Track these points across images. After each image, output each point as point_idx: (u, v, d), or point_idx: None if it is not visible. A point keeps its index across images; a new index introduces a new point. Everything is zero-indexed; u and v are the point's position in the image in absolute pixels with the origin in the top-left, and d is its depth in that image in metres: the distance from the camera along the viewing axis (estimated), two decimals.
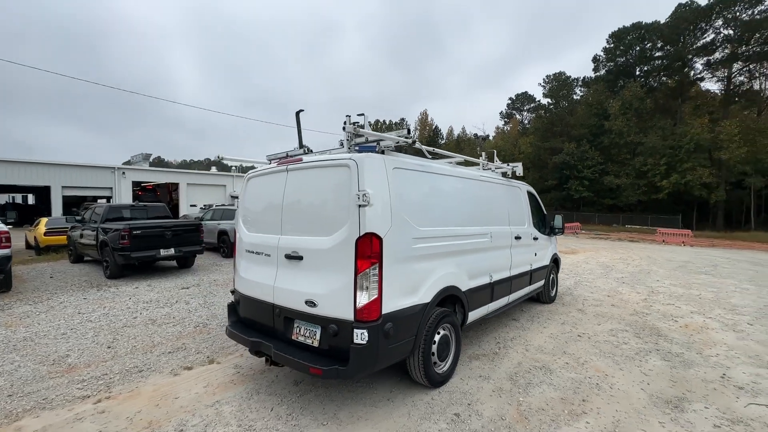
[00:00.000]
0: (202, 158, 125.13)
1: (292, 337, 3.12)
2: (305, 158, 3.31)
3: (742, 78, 38.63)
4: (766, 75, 37.38)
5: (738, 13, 36.96)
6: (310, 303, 2.96)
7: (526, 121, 66.17)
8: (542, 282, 6.11)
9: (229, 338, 3.69)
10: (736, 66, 37.78)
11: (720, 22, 38.40)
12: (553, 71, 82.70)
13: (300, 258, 3.10)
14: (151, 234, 9.00)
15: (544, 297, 6.32)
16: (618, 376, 3.74)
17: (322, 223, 3.02)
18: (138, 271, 9.73)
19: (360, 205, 2.76)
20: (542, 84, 54.95)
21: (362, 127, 3.30)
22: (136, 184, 31.28)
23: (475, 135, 70.76)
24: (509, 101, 68.12)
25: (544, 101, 56.07)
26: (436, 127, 68.38)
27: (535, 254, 5.70)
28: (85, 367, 3.95)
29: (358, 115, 3.43)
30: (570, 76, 51.69)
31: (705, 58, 39.87)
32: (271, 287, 3.32)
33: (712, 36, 39.20)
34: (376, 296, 2.75)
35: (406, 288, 3.03)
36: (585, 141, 43.99)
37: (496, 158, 5.59)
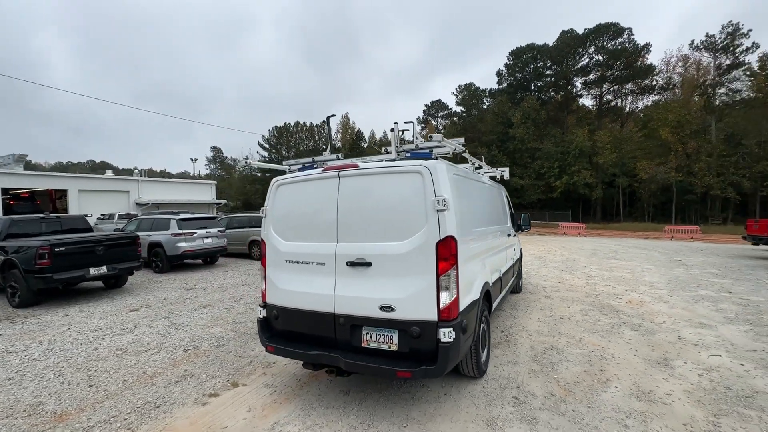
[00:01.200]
0: (85, 160, 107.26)
1: (362, 345, 3.08)
2: (362, 165, 3.29)
3: (609, 96, 47.01)
4: (625, 95, 45.99)
5: (605, 43, 44.94)
6: (387, 308, 2.96)
7: (440, 127, 70.80)
8: (518, 274, 6.82)
9: (276, 354, 3.43)
10: (605, 86, 45.73)
11: (592, 49, 46.19)
12: (463, 81, 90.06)
13: (368, 264, 3.07)
14: (78, 251, 7.61)
15: (517, 287, 7.05)
16: (611, 348, 4.45)
17: (393, 228, 3.04)
18: (53, 296, 8.12)
19: (439, 210, 2.87)
20: (455, 93, 59.54)
21: (403, 133, 3.42)
22: (4, 192, 25.55)
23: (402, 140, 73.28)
24: (425, 107, 72.05)
25: (457, 109, 60.82)
26: (359, 130, 69.18)
27: (513, 249, 6.36)
28: (79, 412, 3.29)
29: (405, 122, 3.52)
30: (479, 87, 56.92)
31: (583, 78, 47.56)
32: (330, 296, 3.21)
33: (587, 60, 46.97)
34: (455, 296, 2.90)
35: (468, 286, 3.23)
36: (494, 146, 48.89)
37: (484, 162, 6.10)
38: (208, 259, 12.56)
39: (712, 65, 39.69)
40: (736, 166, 35.40)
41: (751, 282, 8.20)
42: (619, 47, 43.81)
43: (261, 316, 3.67)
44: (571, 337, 4.79)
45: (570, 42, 46.77)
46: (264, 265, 3.72)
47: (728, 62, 38.63)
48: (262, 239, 3.79)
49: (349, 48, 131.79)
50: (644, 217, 42.73)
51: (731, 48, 38.15)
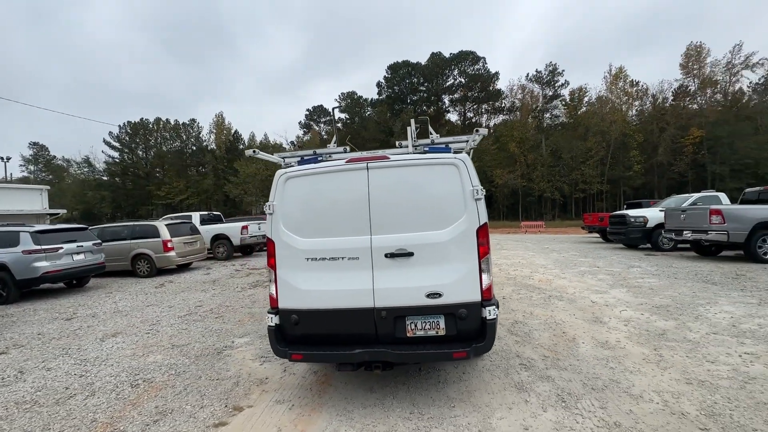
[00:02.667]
0: None
1: (407, 335, 3.05)
2: (393, 157, 3.26)
3: (471, 114, 54.91)
4: (483, 113, 54.46)
5: (466, 68, 52.50)
6: (434, 295, 3.02)
7: (323, 133, 71.05)
8: None
9: (304, 362, 3.11)
10: (468, 104, 53.25)
11: (456, 71, 53.39)
12: (344, 88, 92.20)
13: (410, 254, 3.07)
14: None
15: None
16: (556, 315, 5.38)
17: (431, 217, 3.11)
18: None
19: (477, 199, 3.10)
20: (338, 100, 60.65)
21: (419, 126, 3.57)
22: None
23: (292, 142, 70.22)
24: (307, 112, 71.32)
25: (340, 116, 62.04)
26: (236, 131, 63.95)
27: None
28: None
29: (420, 117, 3.63)
30: (361, 96, 59.27)
31: (450, 96, 54.50)
32: (368, 291, 3.07)
33: (452, 81, 54.05)
34: (491, 277, 3.16)
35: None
36: None
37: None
38: (73, 281, 10.01)
39: (541, 95, 50.42)
40: (559, 174, 45.52)
41: (604, 259, 10.88)
42: (477, 72, 51.83)
43: (273, 324, 3.25)
44: (523, 312, 5.60)
45: (439, 63, 53.03)
46: (273, 267, 3.31)
47: (551, 93, 49.73)
48: (269, 239, 3.36)
49: (220, 42, 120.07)
50: (500, 216, 51.22)
51: (552, 83, 49.23)
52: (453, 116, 57.38)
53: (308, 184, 3.34)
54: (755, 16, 64.64)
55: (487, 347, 3.00)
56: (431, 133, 3.68)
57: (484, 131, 3.62)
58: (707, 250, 10.68)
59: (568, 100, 48.58)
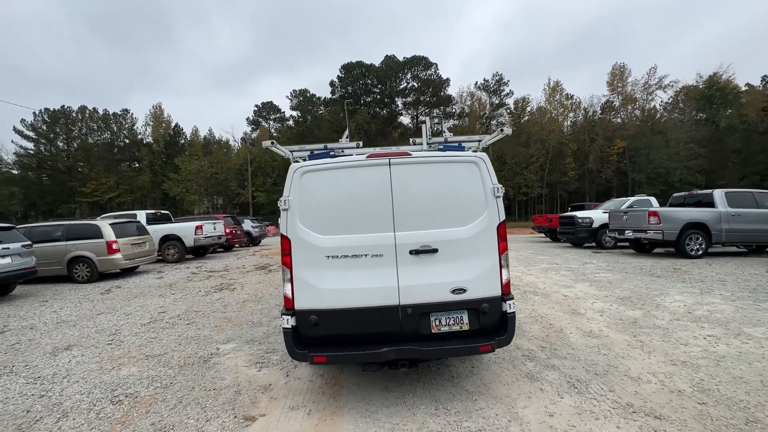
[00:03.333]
0: None
1: (432, 331, 3.03)
2: (414, 153, 3.23)
3: (423, 118, 56.31)
4: (433, 118, 56.06)
5: (419, 72, 53.79)
6: (459, 290, 3.04)
7: (273, 130, 68.64)
8: None
9: (328, 364, 2.96)
10: (420, 108, 54.57)
11: (409, 75, 54.48)
12: (294, 86, 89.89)
13: (434, 251, 3.06)
14: None
15: None
16: (538, 309, 5.69)
17: (454, 214, 3.13)
18: None
19: (496, 197, 3.18)
20: (289, 97, 58.98)
21: (438, 123, 3.59)
22: None
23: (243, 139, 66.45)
24: (256, 108, 68.46)
25: (291, 113, 60.33)
26: (177, 125, 59.42)
27: None
28: None
29: (433, 116, 3.63)
30: (315, 94, 58.16)
31: (403, 99, 55.45)
32: (393, 288, 3.01)
33: (405, 84, 55.06)
34: (509, 272, 3.27)
35: None
36: None
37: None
38: None
39: (488, 102, 53.21)
40: (504, 178, 48.28)
41: (559, 256, 11.75)
42: (429, 78, 53.32)
43: (289, 326, 3.07)
44: None
45: (393, 66, 53.74)
46: (289, 265, 3.12)
47: (497, 102, 52.69)
48: (283, 236, 3.16)
49: (156, 26, 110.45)
50: None
51: (498, 92, 52.21)
52: (405, 119, 58.47)
53: (327, 179, 3.20)
54: (666, 42, 74.26)
55: (509, 340, 3.10)
56: (443, 132, 3.71)
57: (508, 130, 3.73)
58: (643, 248, 12.00)
59: (512, 109, 51.90)
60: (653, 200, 13.45)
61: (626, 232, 11.18)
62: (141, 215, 13.63)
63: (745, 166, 44.16)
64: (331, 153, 3.56)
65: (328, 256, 3.08)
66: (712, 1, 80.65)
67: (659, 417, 2.70)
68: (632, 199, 13.79)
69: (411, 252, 3.07)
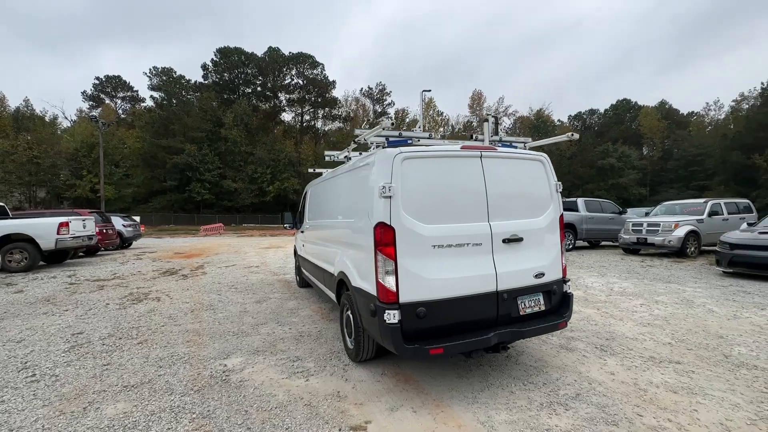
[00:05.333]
0: None
1: (520, 314, 3.23)
2: (498, 149, 3.39)
3: (308, 117, 55.30)
4: (320, 117, 55.65)
5: (304, 70, 52.62)
6: (539, 275, 3.32)
7: (121, 111, 57.04)
8: None
9: (445, 355, 2.81)
10: (306, 107, 53.43)
11: (295, 71, 52.80)
12: (156, 62, 76.16)
13: (520, 239, 3.27)
14: None
15: None
16: None
17: (531, 206, 3.43)
18: None
19: (559, 192, 3.61)
20: (148, 75, 50.04)
21: (497, 122, 3.83)
22: None
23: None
24: (96, 81, 55.86)
25: (152, 94, 51.22)
26: None
27: None
28: None
29: (492, 115, 3.85)
30: (183, 76, 50.70)
31: (287, 96, 53.32)
32: (491, 275, 3.09)
33: (290, 80, 53.16)
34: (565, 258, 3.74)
35: None
36: (205, 145, 45.33)
37: None
38: None
39: (372, 109, 55.75)
40: None
41: None
42: (315, 77, 52.68)
43: (396, 321, 2.84)
44: None
45: (277, 59, 51.19)
46: (393, 256, 2.89)
47: (380, 110, 55.71)
48: (386, 225, 2.90)
49: None
50: None
51: (381, 100, 55.30)
52: (289, 116, 56.38)
53: (428, 167, 3.11)
54: (510, 77, 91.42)
55: (570, 316, 3.56)
56: (497, 132, 3.98)
57: (575, 135, 4.19)
58: None
59: (393, 118, 55.64)
60: None
61: None
62: None
63: None
64: (409, 141, 3.44)
65: (435, 246, 3.00)
66: (541, 49, 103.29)
67: (678, 362, 3.55)
68: None
69: (503, 241, 3.24)
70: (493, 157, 3.37)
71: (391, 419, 2.76)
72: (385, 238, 2.93)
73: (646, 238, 10.84)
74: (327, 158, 4.60)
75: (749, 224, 8.38)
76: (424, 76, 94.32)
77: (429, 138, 3.65)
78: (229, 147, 45.93)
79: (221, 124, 46.41)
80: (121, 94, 57.56)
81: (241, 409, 2.94)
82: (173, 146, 43.62)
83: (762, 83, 45.36)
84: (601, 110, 66.01)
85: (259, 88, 52.30)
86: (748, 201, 12.69)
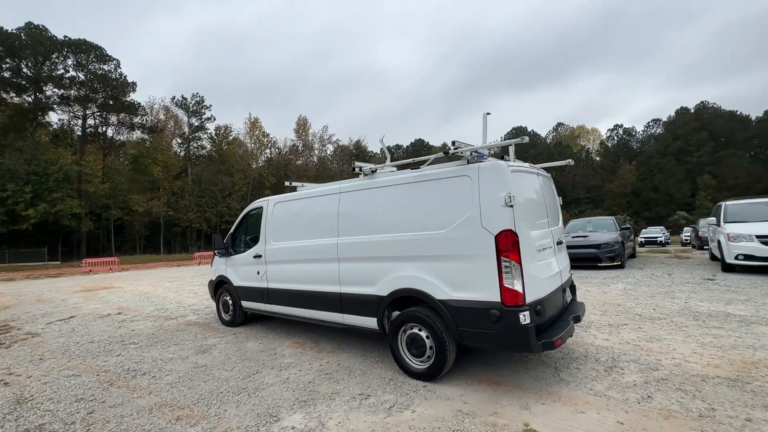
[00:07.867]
0: None
1: (567, 302, 3.89)
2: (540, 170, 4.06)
3: (96, 121, 43.17)
4: (113, 124, 44.29)
5: (89, 63, 41.20)
6: (570, 271, 4.13)
7: None
8: None
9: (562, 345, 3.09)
10: (93, 108, 41.67)
11: (72, 61, 40.65)
12: None
13: (561, 242, 3.99)
14: None
15: None
16: None
17: (557, 215, 4.24)
18: None
19: (561, 205, 4.56)
20: None
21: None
22: None
23: None
24: None
25: None
26: None
27: None
28: None
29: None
30: None
31: (60, 90, 40.21)
32: (558, 272, 3.67)
33: (64, 71, 40.52)
34: None
35: None
36: None
37: None
38: None
39: (186, 122, 48.67)
40: (207, 205, 45.51)
41: None
42: (106, 74, 41.88)
43: (529, 322, 3.02)
44: None
45: (42, 40, 38.29)
46: (518, 260, 3.06)
47: (197, 124, 49.28)
48: (510, 232, 3.06)
49: None
50: (136, 249, 42.99)
51: (199, 114, 49.12)
52: (64, 116, 42.40)
53: (520, 179, 3.49)
54: (327, 109, 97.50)
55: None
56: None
57: (571, 161, 5.12)
58: None
59: (213, 134, 50.24)
60: None
61: None
62: None
63: None
64: (484, 157, 3.69)
65: (538, 249, 3.38)
66: (353, 89, 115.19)
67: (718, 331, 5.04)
68: None
69: (557, 243, 3.93)
70: (540, 174, 4.08)
71: (540, 415, 2.89)
72: (507, 245, 3.11)
73: None
74: (356, 170, 4.22)
75: None
76: (244, 95, 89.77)
77: (490, 154, 3.99)
78: None
79: None
80: None
81: None
82: None
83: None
84: (404, 146, 79.19)
85: (6, 73, 37.21)
86: None
